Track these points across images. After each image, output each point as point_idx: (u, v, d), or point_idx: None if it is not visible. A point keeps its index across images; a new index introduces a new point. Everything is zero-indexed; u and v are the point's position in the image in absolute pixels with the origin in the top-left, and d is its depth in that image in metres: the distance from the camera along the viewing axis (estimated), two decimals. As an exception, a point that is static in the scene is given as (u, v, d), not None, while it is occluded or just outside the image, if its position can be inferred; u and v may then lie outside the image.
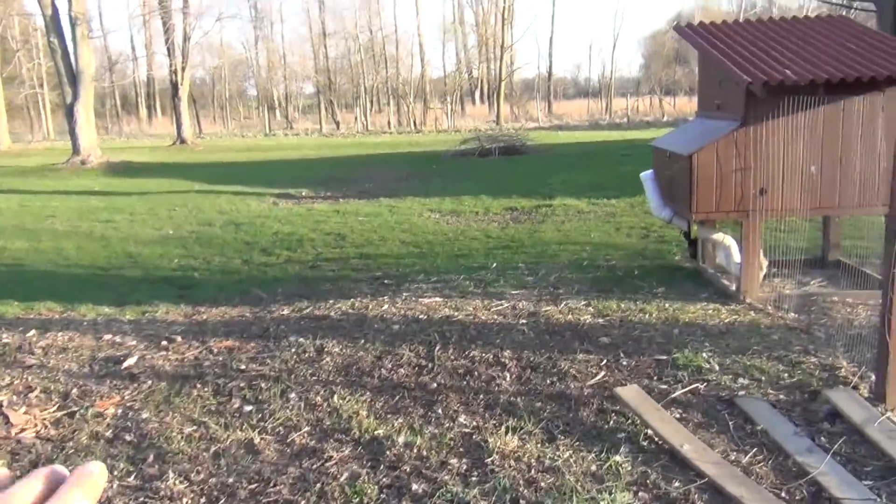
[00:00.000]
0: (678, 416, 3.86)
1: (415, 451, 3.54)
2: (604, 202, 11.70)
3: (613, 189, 12.90)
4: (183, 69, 33.91)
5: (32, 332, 5.74)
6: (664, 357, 4.68)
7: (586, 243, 8.62)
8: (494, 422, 3.82)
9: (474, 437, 3.68)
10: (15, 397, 4.37)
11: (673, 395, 4.09)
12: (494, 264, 7.62)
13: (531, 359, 4.70)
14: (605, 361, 4.64)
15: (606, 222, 10.01)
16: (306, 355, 4.92)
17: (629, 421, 3.80)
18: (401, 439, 3.65)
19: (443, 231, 10.03)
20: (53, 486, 0.50)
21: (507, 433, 3.67)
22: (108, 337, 5.56)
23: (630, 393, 4.00)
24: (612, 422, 3.80)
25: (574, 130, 35.25)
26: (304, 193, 15.22)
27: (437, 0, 74.60)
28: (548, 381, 4.34)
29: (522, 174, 16.75)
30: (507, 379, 4.40)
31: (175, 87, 34.08)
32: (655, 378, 4.37)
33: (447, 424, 3.80)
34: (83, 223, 12.04)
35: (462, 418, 3.86)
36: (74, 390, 4.46)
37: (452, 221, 10.90)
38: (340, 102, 51.93)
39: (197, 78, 56.77)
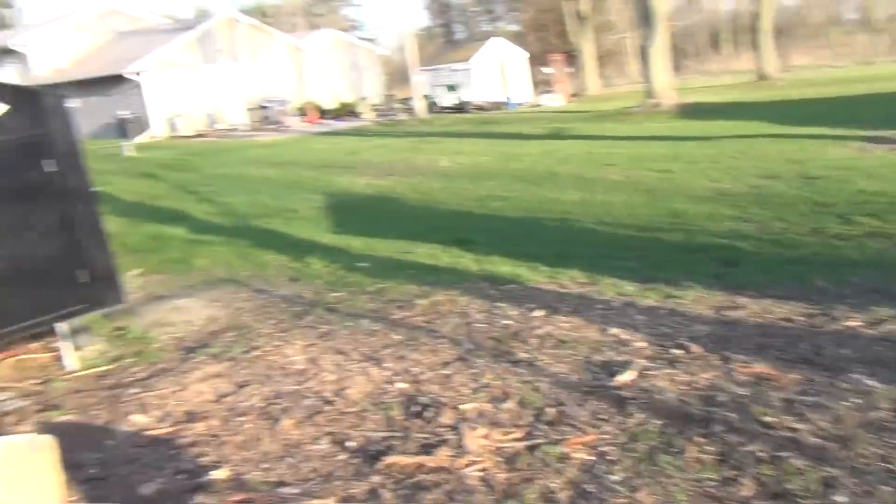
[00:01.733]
0: None
1: None
2: None
3: None
4: (766, -4, 31.24)
5: (541, 312, 5.08)
6: None
7: None
8: None
9: None
10: (487, 406, 3.67)
11: None
12: None
13: None
14: None
15: None
16: (872, 416, 3.17)
17: None
18: None
19: None
20: None
21: None
22: (614, 331, 4.57)
23: None
24: None
25: None
26: (904, 136, 12.18)
27: None
28: None
29: None
30: None
31: (755, 16, 31.68)
32: None
33: None
34: (636, 172, 11.44)
35: None
36: (551, 410, 3.56)
37: None
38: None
39: (787, 7, 52.93)
